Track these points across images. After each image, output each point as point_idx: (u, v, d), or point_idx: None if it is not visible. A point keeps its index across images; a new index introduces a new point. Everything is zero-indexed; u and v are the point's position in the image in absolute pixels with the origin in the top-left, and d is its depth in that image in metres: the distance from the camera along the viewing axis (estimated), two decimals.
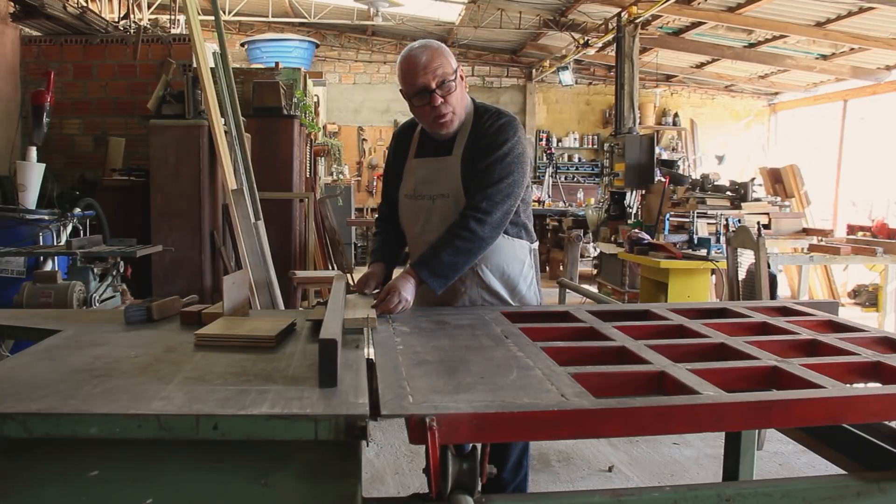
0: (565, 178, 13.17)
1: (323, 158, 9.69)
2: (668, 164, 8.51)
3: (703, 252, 5.63)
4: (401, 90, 2.29)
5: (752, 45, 10.18)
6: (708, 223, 6.51)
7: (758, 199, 6.75)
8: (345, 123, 12.97)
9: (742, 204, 6.57)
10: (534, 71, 13.31)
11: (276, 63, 7.45)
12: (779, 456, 3.71)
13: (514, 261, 2.40)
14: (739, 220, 6.38)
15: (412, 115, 2.40)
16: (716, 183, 7.14)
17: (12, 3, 5.94)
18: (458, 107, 2.28)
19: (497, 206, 2.24)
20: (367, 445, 1.36)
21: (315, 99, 8.85)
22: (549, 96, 13.62)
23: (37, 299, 3.67)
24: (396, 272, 2.36)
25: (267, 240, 5.17)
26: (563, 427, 1.33)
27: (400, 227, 2.51)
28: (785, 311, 2.27)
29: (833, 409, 1.43)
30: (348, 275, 5.67)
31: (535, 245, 2.51)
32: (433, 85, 2.21)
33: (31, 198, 4.67)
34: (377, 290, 2.28)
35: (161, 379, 1.46)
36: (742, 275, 4.39)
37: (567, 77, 12.04)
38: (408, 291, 2.15)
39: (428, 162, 2.39)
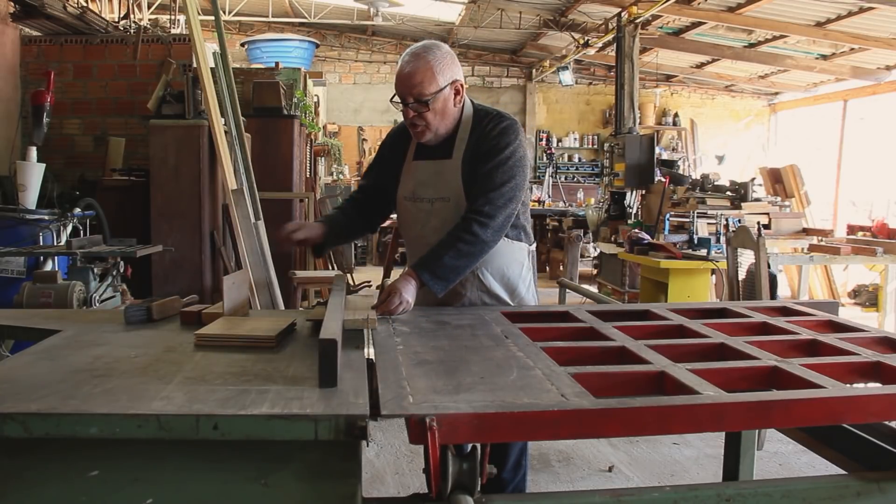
0: (565, 178, 13.17)
1: (323, 158, 9.70)
2: (668, 164, 8.51)
3: (703, 252, 5.63)
4: None
5: (752, 45, 10.18)
6: (708, 223, 6.51)
7: (758, 199, 6.75)
8: (345, 123, 12.97)
9: (742, 204, 6.56)
10: (534, 71, 13.31)
11: (276, 63, 7.46)
12: (779, 456, 3.71)
13: (513, 263, 2.40)
14: (739, 220, 6.38)
15: None
16: (716, 183, 7.14)
17: (12, 3, 5.94)
18: (433, 123, 2.26)
19: (500, 210, 2.24)
20: (367, 445, 1.36)
21: (315, 99, 8.86)
22: (549, 96, 13.62)
23: (37, 299, 3.67)
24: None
25: (267, 240, 5.17)
26: (563, 427, 1.33)
27: (363, 215, 2.50)
28: (785, 311, 2.27)
29: (833, 409, 1.43)
30: (348, 275, 5.67)
31: (534, 247, 2.51)
32: (409, 99, 2.22)
33: (31, 198, 4.67)
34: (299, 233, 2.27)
35: (161, 379, 1.46)
36: (742, 275, 4.39)
37: (567, 77, 12.04)
38: (409, 293, 2.14)
39: (427, 165, 2.37)
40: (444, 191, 2.32)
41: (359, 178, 12.87)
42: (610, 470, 3.57)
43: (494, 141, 2.28)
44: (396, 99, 2.27)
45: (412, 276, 2.18)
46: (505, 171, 2.26)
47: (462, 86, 2.30)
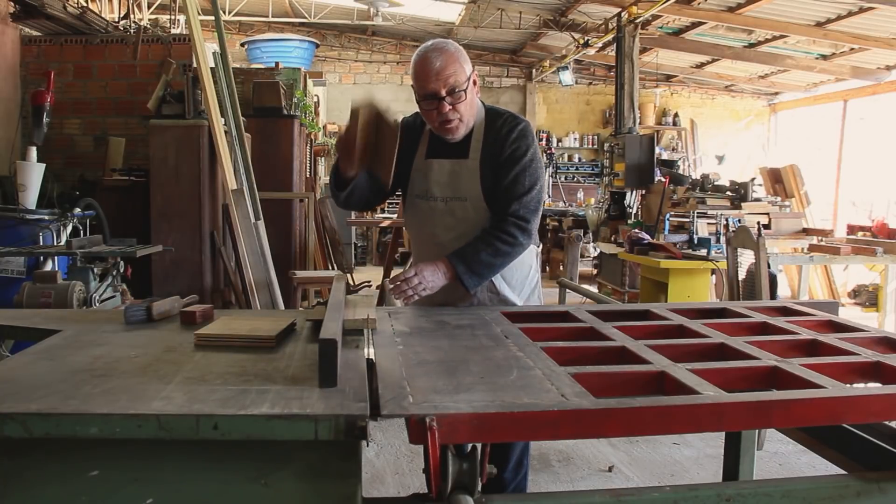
0: (565, 178, 13.17)
1: (323, 158, 9.70)
2: (668, 164, 8.52)
3: (703, 252, 5.63)
4: (412, 86, 2.28)
5: (752, 45, 10.17)
6: (708, 223, 6.51)
7: (758, 199, 6.75)
8: (345, 123, 12.95)
9: (742, 204, 6.57)
10: (534, 71, 13.30)
11: (276, 63, 7.46)
12: (779, 456, 3.71)
13: (522, 265, 2.41)
14: (739, 220, 6.38)
15: (415, 112, 2.39)
16: (716, 183, 7.14)
17: (12, 3, 5.94)
18: (466, 114, 2.26)
19: (533, 213, 2.27)
20: (367, 445, 1.36)
21: (315, 99, 8.86)
22: (549, 96, 13.62)
23: (37, 299, 3.67)
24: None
25: (267, 240, 5.17)
26: (563, 427, 1.33)
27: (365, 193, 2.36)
28: (785, 311, 2.26)
29: (833, 409, 1.43)
30: (348, 275, 5.67)
31: (540, 248, 2.53)
32: (443, 92, 2.19)
33: (31, 198, 4.67)
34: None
35: (161, 379, 1.46)
36: (742, 275, 4.39)
37: (567, 77, 12.04)
38: (432, 276, 2.14)
39: (442, 164, 2.34)
40: (461, 191, 2.32)
41: None
42: (610, 470, 3.57)
43: (515, 144, 2.28)
44: (418, 98, 2.25)
45: (444, 265, 2.18)
46: (530, 174, 2.28)
47: (478, 78, 2.31)
